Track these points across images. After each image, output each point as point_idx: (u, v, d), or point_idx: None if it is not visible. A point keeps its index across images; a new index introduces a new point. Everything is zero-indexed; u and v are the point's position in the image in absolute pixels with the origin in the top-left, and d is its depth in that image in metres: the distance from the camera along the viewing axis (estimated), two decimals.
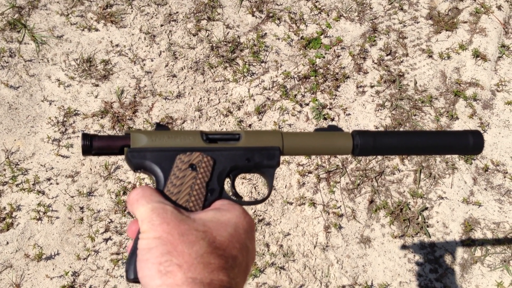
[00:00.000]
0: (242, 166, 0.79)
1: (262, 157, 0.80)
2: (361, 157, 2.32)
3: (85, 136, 0.74)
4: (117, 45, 2.52)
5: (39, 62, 2.44)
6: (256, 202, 0.83)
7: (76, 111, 2.32)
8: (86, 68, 2.43)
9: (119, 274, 2.02)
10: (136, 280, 0.65)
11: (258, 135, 0.82)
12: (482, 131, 2.45)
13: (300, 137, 0.85)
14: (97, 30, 2.55)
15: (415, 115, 2.46)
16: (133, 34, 2.56)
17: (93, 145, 0.74)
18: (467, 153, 0.92)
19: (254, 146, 0.80)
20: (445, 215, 2.24)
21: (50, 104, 2.33)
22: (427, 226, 2.20)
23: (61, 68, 2.43)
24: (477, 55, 2.64)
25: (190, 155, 0.74)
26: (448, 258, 2.15)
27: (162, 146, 0.75)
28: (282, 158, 2.19)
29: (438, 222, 2.22)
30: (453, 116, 2.46)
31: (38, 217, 2.08)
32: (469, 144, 0.90)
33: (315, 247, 2.13)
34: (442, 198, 2.27)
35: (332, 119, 2.42)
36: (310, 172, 2.28)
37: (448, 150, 0.91)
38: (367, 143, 0.86)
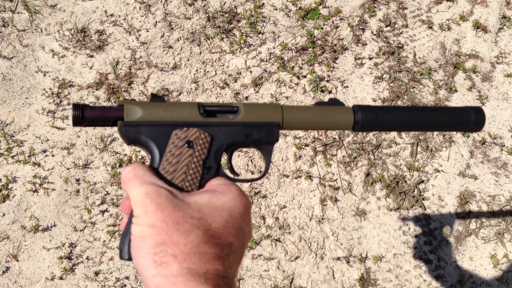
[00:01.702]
0: (240, 142, 0.76)
1: (261, 133, 0.77)
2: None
3: (76, 107, 0.71)
4: (111, 15, 2.47)
5: (33, 32, 2.40)
6: (253, 179, 0.82)
7: (71, 83, 2.30)
8: (81, 39, 2.39)
9: (115, 245, 2.03)
10: (130, 259, 0.64)
11: (257, 108, 0.78)
12: (480, 104, 2.43)
13: (300, 111, 0.82)
14: None
15: (413, 88, 2.44)
16: (128, 4, 2.51)
17: (84, 116, 0.71)
18: (468, 130, 0.90)
19: (253, 122, 0.77)
20: (441, 188, 2.24)
21: (45, 75, 2.31)
22: (423, 199, 2.21)
23: (55, 39, 2.39)
24: (477, 26, 2.60)
25: (187, 131, 0.71)
26: (443, 231, 2.17)
27: (158, 120, 0.71)
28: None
29: (433, 195, 2.23)
30: (452, 89, 2.44)
31: (34, 189, 2.08)
32: (470, 120, 0.88)
33: (310, 219, 2.15)
34: (438, 171, 2.27)
35: (330, 92, 2.40)
36: (306, 145, 2.28)
37: (449, 126, 0.89)
38: (369, 119, 0.84)
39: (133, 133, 0.71)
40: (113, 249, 2.03)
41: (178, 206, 0.61)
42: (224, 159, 0.77)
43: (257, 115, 0.78)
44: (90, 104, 0.74)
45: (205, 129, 0.73)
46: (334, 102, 0.85)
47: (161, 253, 0.56)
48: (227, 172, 0.76)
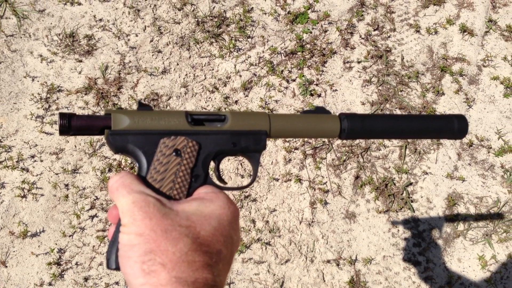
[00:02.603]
0: (227, 151, 0.76)
1: (248, 141, 0.78)
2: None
3: (63, 116, 0.70)
4: (100, 20, 2.47)
5: (21, 37, 2.39)
6: (240, 187, 0.82)
7: (60, 87, 2.29)
8: (69, 44, 2.38)
9: (105, 250, 2.02)
10: (117, 269, 0.64)
11: (244, 117, 0.79)
12: (467, 107, 2.46)
13: (287, 119, 0.83)
14: (79, 4, 2.50)
15: (401, 91, 2.46)
16: (117, 8, 2.51)
17: (71, 125, 0.70)
18: (452, 137, 0.93)
19: (240, 130, 0.77)
20: (429, 190, 2.26)
21: (33, 80, 2.30)
22: (411, 201, 2.23)
23: (44, 44, 2.38)
24: (464, 30, 2.63)
25: (175, 139, 0.71)
26: (431, 233, 2.19)
27: (145, 128, 0.71)
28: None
29: (422, 197, 2.25)
30: (439, 92, 2.46)
31: (22, 195, 2.07)
32: (454, 128, 0.91)
33: (300, 222, 2.15)
34: (426, 173, 2.29)
35: (319, 95, 2.41)
36: (296, 149, 2.29)
37: (434, 134, 0.92)
38: (355, 127, 0.85)
39: (120, 142, 0.71)
40: (103, 254, 2.02)
41: (167, 214, 0.60)
42: (211, 167, 0.77)
43: (245, 124, 0.78)
44: (77, 113, 0.73)
45: (193, 138, 0.73)
46: (321, 111, 0.86)
47: (149, 261, 0.56)
48: (215, 180, 0.77)
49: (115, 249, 0.64)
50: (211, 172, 0.76)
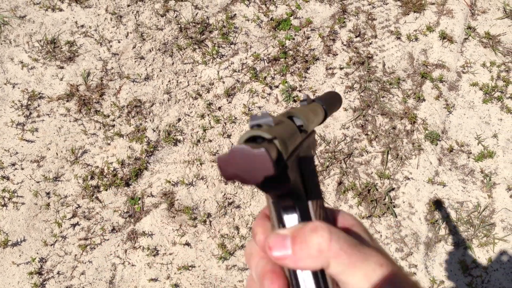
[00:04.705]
0: None
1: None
2: (329, 139, 2.33)
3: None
4: (82, 26, 2.46)
5: (1, 44, 2.36)
6: None
7: (41, 95, 2.27)
8: (50, 50, 2.36)
9: (87, 259, 2.00)
10: None
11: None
12: (447, 113, 2.49)
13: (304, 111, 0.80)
14: (61, 10, 2.48)
15: (383, 97, 2.48)
16: (99, 15, 2.50)
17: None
18: None
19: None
20: (411, 195, 2.29)
21: (14, 87, 2.27)
22: (394, 206, 2.25)
23: (24, 50, 2.36)
24: (444, 37, 2.67)
25: None
26: (413, 237, 2.21)
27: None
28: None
29: (404, 202, 2.27)
30: (420, 98, 2.50)
31: (3, 203, 2.04)
32: None
33: None
34: (408, 178, 2.32)
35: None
36: None
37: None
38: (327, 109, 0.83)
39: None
40: (85, 263, 2.00)
41: None
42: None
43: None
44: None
45: None
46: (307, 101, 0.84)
47: None
48: None
49: None
50: None
